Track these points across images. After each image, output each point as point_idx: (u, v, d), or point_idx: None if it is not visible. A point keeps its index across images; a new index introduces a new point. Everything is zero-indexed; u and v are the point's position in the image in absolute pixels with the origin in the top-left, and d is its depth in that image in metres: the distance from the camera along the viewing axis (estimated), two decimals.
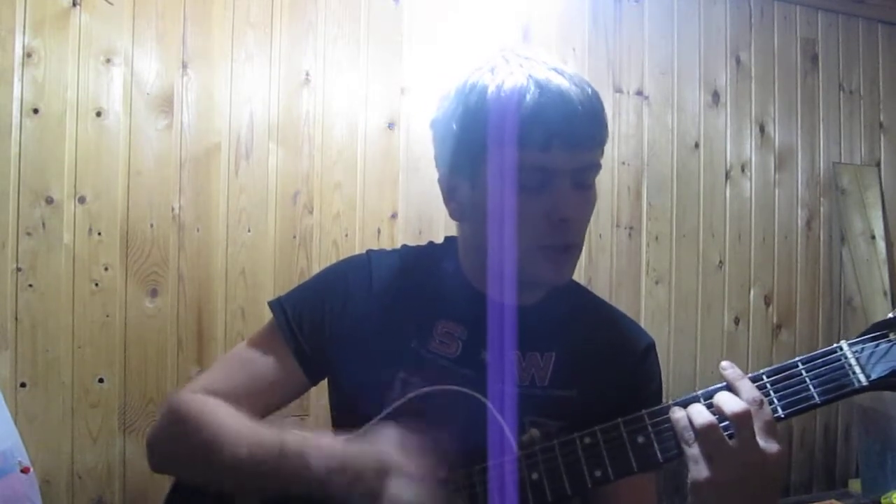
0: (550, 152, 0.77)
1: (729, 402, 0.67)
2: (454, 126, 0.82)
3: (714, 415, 0.68)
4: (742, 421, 0.66)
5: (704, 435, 0.67)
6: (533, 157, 0.77)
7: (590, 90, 0.80)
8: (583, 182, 0.81)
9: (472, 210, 0.85)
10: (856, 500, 2.27)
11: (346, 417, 0.88)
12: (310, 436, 0.76)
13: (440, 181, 0.88)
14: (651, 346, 0.93)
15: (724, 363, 0.72)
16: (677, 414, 0.70)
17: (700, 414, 0.68)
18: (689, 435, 0.68)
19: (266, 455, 0.75)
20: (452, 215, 0.89)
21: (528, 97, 0.76)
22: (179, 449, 0.84)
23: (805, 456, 2.45)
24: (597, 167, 0.83)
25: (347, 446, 0.74)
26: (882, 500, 2.11)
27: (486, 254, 0.84)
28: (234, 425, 0.79)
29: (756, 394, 0.68)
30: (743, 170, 2.39)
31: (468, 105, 0.80)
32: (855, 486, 2.36)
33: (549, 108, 0.76)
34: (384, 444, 0.73)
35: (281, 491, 0.75)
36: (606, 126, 0.82)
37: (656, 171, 2.26)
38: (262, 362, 0.89)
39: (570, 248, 0.82)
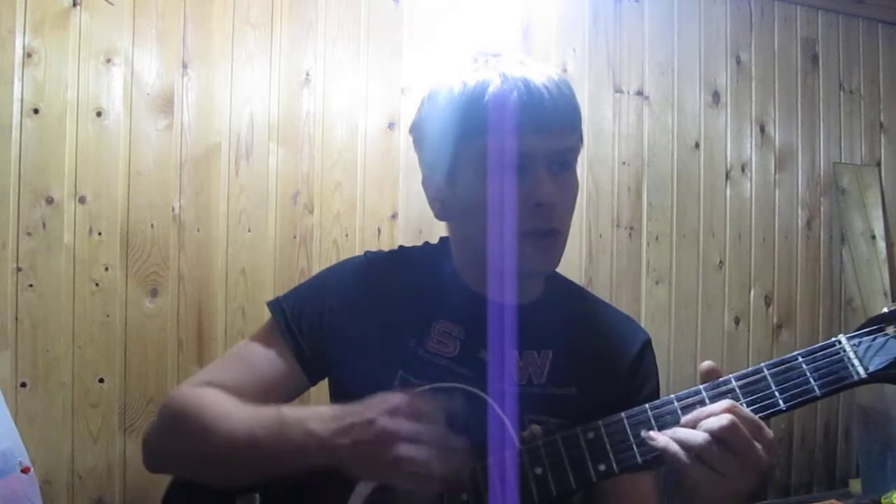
0: (519, 137, 0.78)
1: (710, 422, 0.67)
2: (426, 127, 0.86)
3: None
4: (734, 431, 0.66)
5: (707, 455, 0.67)
6: (502, 144, 0.78)
7: (556, 77, 0.81)
8: (557, 166, 0.81)
9: (453, 206, 0.87)
10: (856, 499, 2.27)
11: None
12: (306, 407, 0.76)
13: (423, 184, 0.90)
14: (647, 343, 0.94)
15: (704, 375, 0.73)
16: (672, 447, 0.69)
17: (694, 436, 0.67)
18: (685, 461, 0.67)
19: (266, 430, 0.74)
20: (437, 216, 0.91)
21: (492, 87, 0.78)
22: (176, 439, 0.83)
23: (805, 456, 2.45)
24: (570, 151, 0.83)
25: (347, 407, 0.73)
26: (882, 500, 2.11)
27: (474, 250, 0.85)
28: (230, 407, 0.79)
29: (726, 402, 0.68)
30: (743, 170, 2.39)
31: (438, 105, 0.83)
32: (855, 485, 2.37)
33: (513, 94, 0.77)
34: (386, 396, 0.72)
35: (284, 468, 0.74)
36: (577, 110, 0.83)
37: (656, 171, 2.26)
38: (262, 362, 0.89)
39: (552, 234, 0.82)
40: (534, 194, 0.79)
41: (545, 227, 0.81)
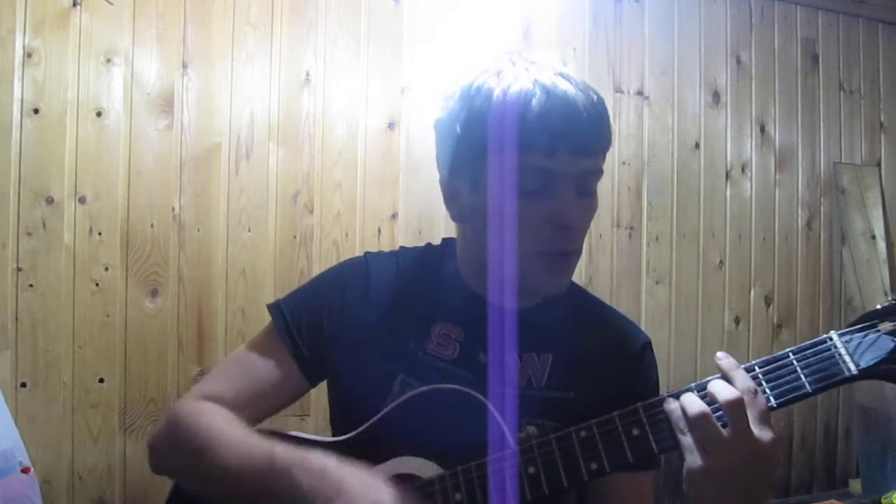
0: (555, 157, 0.77)
1: (722, 391, 0.68)
2: (458, 128, 0.82)
3: (709, 403, 0.68)
4: (736, 409, 0.66)
5: (698, 423, 0.67)
6: (537, 162, 0.77)
7: (595, 96, 0.80)
8: (586, 188, 0.81)
9: (473, 213, 0.85)
10: (856, 500, 2.27)
11: (346, 418, 0.88)
12: (299, 452, 0.75)
13: (441, 182, 0.88)
14: (647, 346, 0.93)
15: (720, 353, 0.73)
16: (671, 404, 0.71)
17: (693, 403, 0.69)
18: (684, 424, 0.69)
19: (255, 468, 0.75)
20: (453, 217, 0.89)
21: (534, 101, 0.76)
22: (176, 456, 0.85)
23: (805, 456, 2.45)
24: (599, 173, 0.82)
25: (337, 465, 0.72)
26: (882, 500, 2.11)
27: (485, 257, 0.84)
28: (228, 435, 0.79)
29: (750, 383, 0.69)
30: (743, 170, 2.39)
31: (473, 107, 0.80)
32: (855, 485, 2.37)
33: (554, 112, 0.76)
34: (375, 473, 0.72)
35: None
36: (610, 132, 0.82)
37: (656, 171, 2.26)
38: (262, 366, 0.89)
39: (569, 255, 0.82)
40: (563, 215, 0.78)
41: (567, 248, 0.81)
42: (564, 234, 0.79)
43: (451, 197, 0.87)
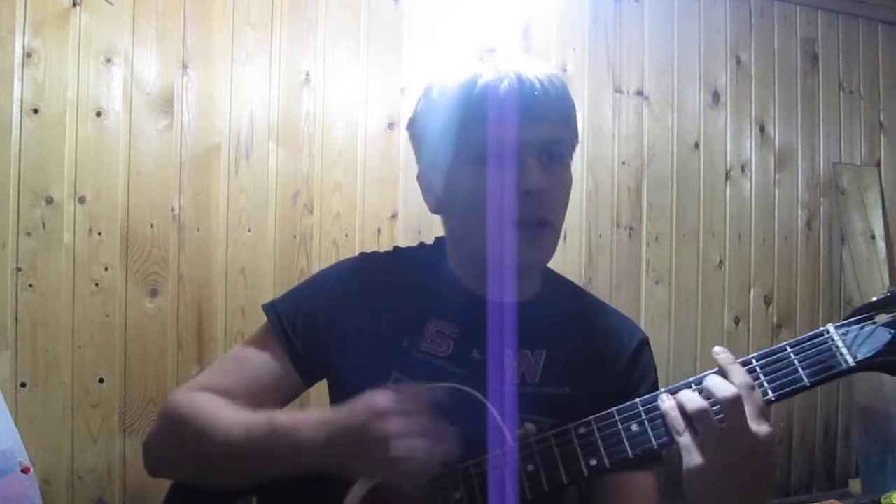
0: (508, 126, 0.78)
1: (720, 387, 0.68)
2: (420, 122, 0.87)
3: (705, 399, 0.69)
4: (734, 405, 0.67)
5: (696, 420, 0.68)
6: (492, 134, 0.78)
7: (549, 71, 0.82)
8: (548, 158, 0.81)
9: (445, 199, 0.87)
10: (856, 500, 2.27)
11: None
12: (300, 413, 0.76)
13: (417, 178, 0.92)
14: (644, 342, 0.93)
15: (717, 348, 0.73)
16: (667, 403, 0.71)
17: (691, 400, 0.69)
18: (680, 424, 0.69)
19: (259, 435, 0.75)
20: (431, 209, 0.91)
21: (482, 80, 0.79)
22: (174, 444, 0.84)
23: (805, 456, 2.45)
24: (561, 143, 0.83)
25: (337, 411, 0.73)
26: (882, 500, 2.11)
27: (466, 243, 0.86)
28: (226, 412, 0.80)
29: (748, 378, 0.69)
30: (743, 170, 2.39)
31: (431, 100, 0.85)
32: (855, 486, 2.37)
33: (503, 84, 0.78)
34: (373, 397, 0.72)
35: (276, 472, 0.75)
36: (568, 103, 0.84)
37: (656, 171, 2.26)
38: (258, 365, 0.89)
39: (541, 225, 0.82)
40: (521, 182, 0.79)
41: (534, 216, 0.81)
42: (529, 201, 0.79)
43: (427, 189, 0.90)
